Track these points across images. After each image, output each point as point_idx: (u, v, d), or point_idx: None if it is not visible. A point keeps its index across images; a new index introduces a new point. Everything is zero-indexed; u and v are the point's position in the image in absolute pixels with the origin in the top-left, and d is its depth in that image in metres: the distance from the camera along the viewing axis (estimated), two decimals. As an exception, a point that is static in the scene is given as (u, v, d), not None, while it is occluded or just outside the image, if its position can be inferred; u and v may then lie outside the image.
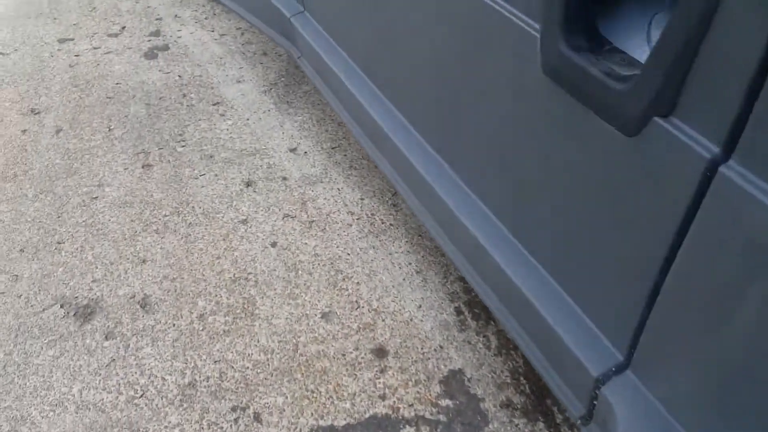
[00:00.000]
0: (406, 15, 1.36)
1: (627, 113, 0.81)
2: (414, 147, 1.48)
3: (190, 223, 1.85)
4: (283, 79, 2.57)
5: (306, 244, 1.82)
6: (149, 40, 2.76)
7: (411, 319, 1.63)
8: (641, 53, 0.87)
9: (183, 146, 2.15)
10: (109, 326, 1.57)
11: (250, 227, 1.86)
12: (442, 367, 1.56)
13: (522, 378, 1.53)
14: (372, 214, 1.94)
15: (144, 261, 1.73)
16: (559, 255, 1.09)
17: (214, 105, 2.38)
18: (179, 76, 2.53)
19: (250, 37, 2.83)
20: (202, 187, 1.99)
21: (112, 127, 2.21)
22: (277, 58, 2.70)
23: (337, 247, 1.82)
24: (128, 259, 1.73)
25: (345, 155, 2.18)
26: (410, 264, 1.78)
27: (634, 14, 0.92)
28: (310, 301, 1.65)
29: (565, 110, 0.93)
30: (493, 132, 1.17)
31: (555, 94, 0.94)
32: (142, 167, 2.04)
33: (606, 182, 0.90)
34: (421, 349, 1.58)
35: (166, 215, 1.87)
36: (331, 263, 1.76)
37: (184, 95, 2.41)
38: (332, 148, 2.21)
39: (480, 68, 1.14)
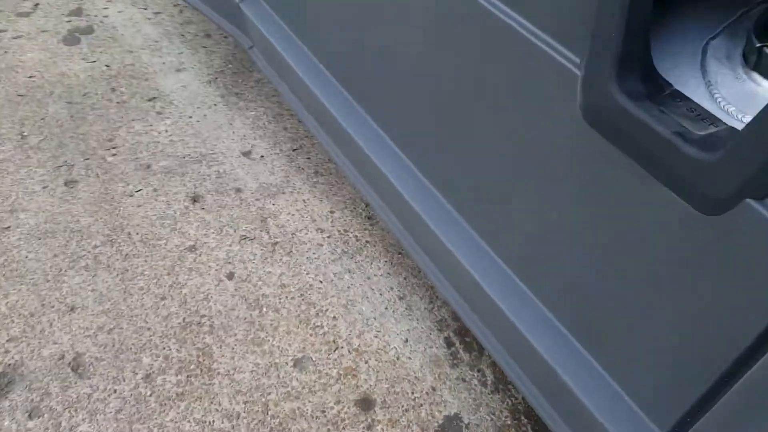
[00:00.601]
0: (399, 19, 1.07)
1: (709, 190, 0.58)
2: (401, 171, 1.21)
3: (127, 254, 1.54)
4: (230, 66, 2.23)
5: (269, 272, 1.53)
6: (69, 21, 2.37)
7: (398, 358, 1.38)
8: (700, 94, 0.66)
9: (114, 155, 1.81)
10: (33, 400, 1.27)
11: (200, 255, 1.56)
12: (437, 414, 1.33)
13: (523, 417, 1.34)
14: (345, 230, 1.66)
15: (73, 309, 1.41)
16: (597, 330, 0.86)
17: (149, 101, 2.03)
18: (107, 65, 2.16)
19: (190, 15, 2.46)
20: (139, 206, 1.67)
21: (25, 134, 1.85)
22: (223, 41, 2.35)
23: (307, 273, 1.54)
24: (53, 307, 1.41)
25: (308, 158, 1.89)
26: (392, 289, 1.52)
27: (683, 40, 0.71)
28: (279, 347, 1.38)
29: (615, 171, 0.70)
30: (512, 179, 0.91)
31: (599, 148, 0.70)
32: (65, 184, 1.70)
33: (670, 263, 0.68)
34: (412, 394, 1.35)
35: (96, 246, 1.55)
36: (301, 295, 1.49)
37: (114, 89, 2.06)
38: (293, 150, 1.91)
39: (495, 101, 0.88)
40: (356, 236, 1.65)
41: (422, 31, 1.01)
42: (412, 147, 1.22)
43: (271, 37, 1.65)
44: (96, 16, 2.41)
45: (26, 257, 1.50)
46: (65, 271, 1.48)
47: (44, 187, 1.69)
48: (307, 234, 1.64)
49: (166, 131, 1.92)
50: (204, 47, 2.31)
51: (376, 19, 1.18)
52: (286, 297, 1.48)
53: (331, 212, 1.71)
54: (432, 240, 1.17)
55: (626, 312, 0.80)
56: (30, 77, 2.07)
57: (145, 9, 2.48)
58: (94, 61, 2.17)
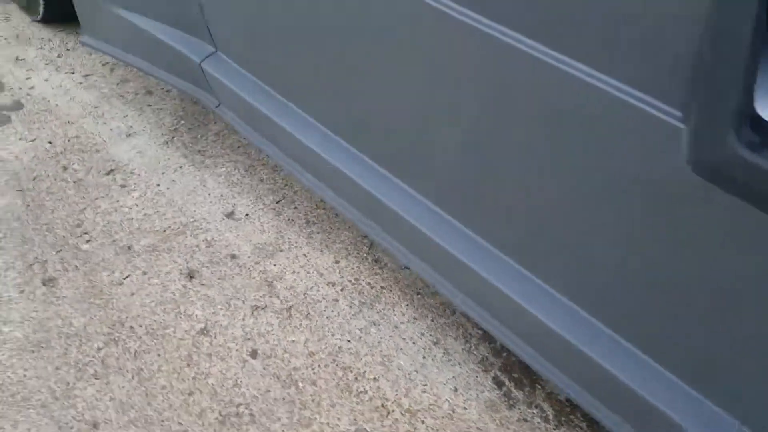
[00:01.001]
0: (432, 72, 1.02)
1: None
2: (418, 209, 1.18)
3: (136, 351, 1.41)
4: (183, 122, 2.11)
5: (293, 342, 1.45)
6: (-8, 99, 2.16)
7: (453, 410, 1.34)
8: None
9: (87, 241, 1.67)
10: None
11: (215, 337, 1.45)
12: (507, 459, 1.30)
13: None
14: (356, 279, 1.60)
15: (95, 425, 1.28)
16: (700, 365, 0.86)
17: (108, 174, 1.88)
18: (49, 142, 1.99)
19: (124, 73, 2.31)
20: (133, 294, 1.54)
21: (-19, 234, 1.67)
22: (167, 96, 2.22)
23: (333, 335, 1.47)
24: (72, 428, 1.27)
25: (296, 208, 1.81)
26: (423, 335, 1.48)
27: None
28: (329, 423, 1.31)
29: (728, 219, 0.69)
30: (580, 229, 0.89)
31: (712, 197, 0.69)
32: (44, 284, 1.55)
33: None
34: (477, 444, 1.31)
35: (100, 348, 1.42)
36: (334, 360, 1.42)
37: (65, 168, 1.89)
38: (277, 203, 1.83)
39: (563, 157, 0.85)
40: (369, 283, 1.60)
41: (476, 93, 0.97)
42: (447, 196, 1.18)
43: (241, 91, 1.57)
44: (21, 89, 2.22)
45: (24, 376, 1.35)
46: (74, 383, 1.34)
47: (21, 292, 1.53)
48: (318, 291, 1.57)
49: (137, 205, 1.79)
50: (149, 105, 2.17)
51: (377, 68, 1.13)
52: (319, 366, 1.41)
53: (336, 262, 1.65)
54: (471, 277, 1.14)
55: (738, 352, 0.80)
56: (-34, 169, 1.87)
57: (73, 73, 2.31)
58: (34, 140, 2.00)
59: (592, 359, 0.99)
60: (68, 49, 2.43)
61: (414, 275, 1.62)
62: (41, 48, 2.43)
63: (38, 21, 2.52)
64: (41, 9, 2.34)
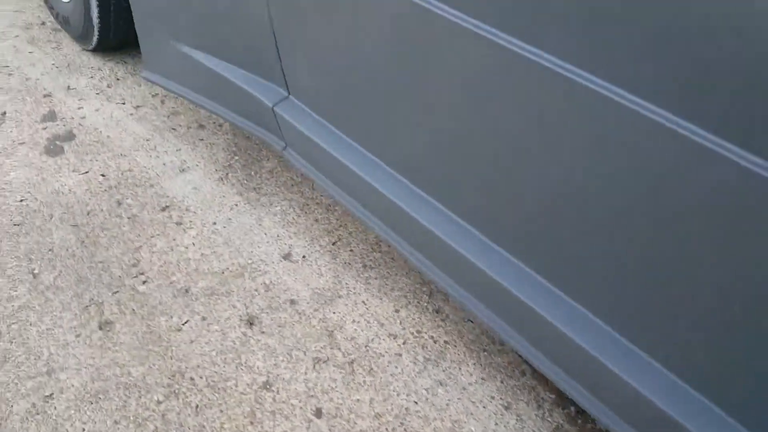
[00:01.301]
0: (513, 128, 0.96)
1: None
2: (492, 257, 1.12)
3: (197, 406, 1.36)
4: (236, 157, 2.07)
5: (358, 401, 1.39)
6: (44, 128, 2.15)
7: (528, 483, 1.27)
8: None
9: (144, 282, 1.62)
10: None
11: (278, 393, 1.39)
12: None
13: None
14: (418, 332, 1.54)
15: (155, 487, 1.22)
16: None
17: (163, 210, 1.85)
18: (102, 175, 1.96)
19: (174, 105, 2.29)
20: (192, 342, 1.49)
21: (36, 271, 1.63)
22: (218, 130, 2.19)
23: (398, 394, 1.41)
24: (131, 489, 1.22)
25: (352, 251, 1.75)
26: (493, 398, 1.41)
27: None
28: (398, 492, 1.24)
29: None
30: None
31: None
32: (100, 328, 1.50)
33: None
34: None
35: (160, 402, 1.36)
36: (401, 424, 1.35)
37: (119, 203, 1.86)
38: (333, 244, 1.77)
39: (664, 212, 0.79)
40: (432, 337, 1.53)
41: (563, 139, 0.92)
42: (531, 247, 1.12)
43: (312, 134, 1.53)
44: (72, 118, 2.20)
45: (83, 430, 1.30)
46: (134, 439, 1.29)
47: (77, 336, 1.48)
48: (380, 344, 1.51)
49: (194, 245, 1.74)
50: (201, 140, 2.14)
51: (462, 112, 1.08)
52: (386, 430, 1.34)
53: (396, 311, 1.59)
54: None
55: None
56: (21, 201, 1.85)
57: (123, 104, 2.29)
58: (87, 172, 1.97)
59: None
60: (118, 79, 2.41)
61: (478, 329, 1.55)
62: (92, 77, 2.42)
63: (89, 50, 2.51)
64: (95, 39, 2.33)
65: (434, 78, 1.10)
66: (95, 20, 2.24)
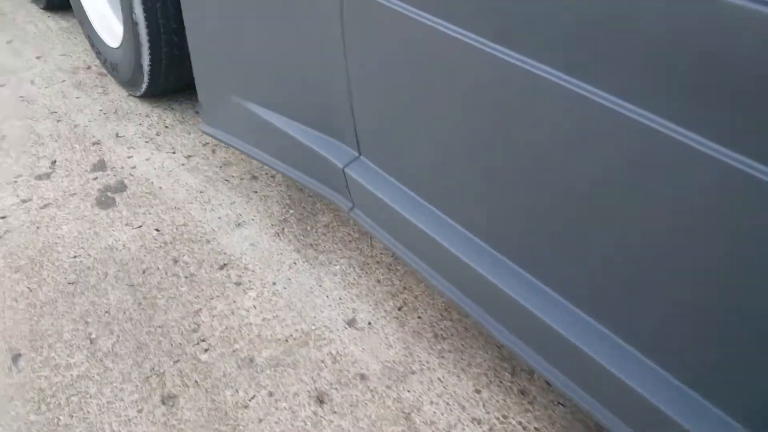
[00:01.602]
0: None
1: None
2: (588, 333, 1.03)
3: (272, 493, 1.26)
4: (291, 211, 2.00)
5: (442, 489, 1.29)
6: (95, 178, 2.09)
7: None
8: None
9: (206, 350, 1.54)
10: None
11: (357, 479, 1.30)
12: None
13: None
14: (504, 416, 1.44)
15: None
16: None
17: (221, 269, 1.77)
18: (157, 229, 1.89)
19: (226, 155, 2.24)
20: (261, 421, 1.40)
21: (94, 336, 1.56)
22: (272, 181, 2.13)
23: (484, 483, 1.30)
24: None
25: (419, 318, 1.67)
26: (586, 489, 1.30)
27: None
28: None
29: None
30: None
31: None
32: (163, 402, 1.42)
33: None
34: None
35: (232, 488, 1.27)
36: None
37: (176, 260, 1.79)
38: (399, 309, 1.69)
39: None
40: (520, 423, 1.43)
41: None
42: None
43: (383, 196, 1.46)
44: (123, 168, 2.14)
45: None
46: None
47: (139, 411, 1.40)
48: (464, 430, 1.41)
49: (254, 307, 1.66)
50: (255, 192, 2.08)
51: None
52: None
53: (477, 391, 1.49)
54: None
55: None
56: (75, 257, 1.78)
57: (174, 153, 2.23)
58: (140, 226, 1.90)
59: None
60: (167, 127, 2.37)
61: (572, 415, 1.45)
62: (140, 124, 2.37)
63: (137, 96, 2.47)
64: (144, 86, 2.29)
65: (523, 140, 1.03)
66: (146, 68, 2.20)
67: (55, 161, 2.15)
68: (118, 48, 2.34)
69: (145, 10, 2.01)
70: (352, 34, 1.26)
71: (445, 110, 1.16)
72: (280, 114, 1.59)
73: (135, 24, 2.08)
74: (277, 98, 1.60)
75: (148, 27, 2.04)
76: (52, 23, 3.18)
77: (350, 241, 1.91)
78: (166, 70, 2.22)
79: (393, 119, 1.31)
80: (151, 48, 2.10)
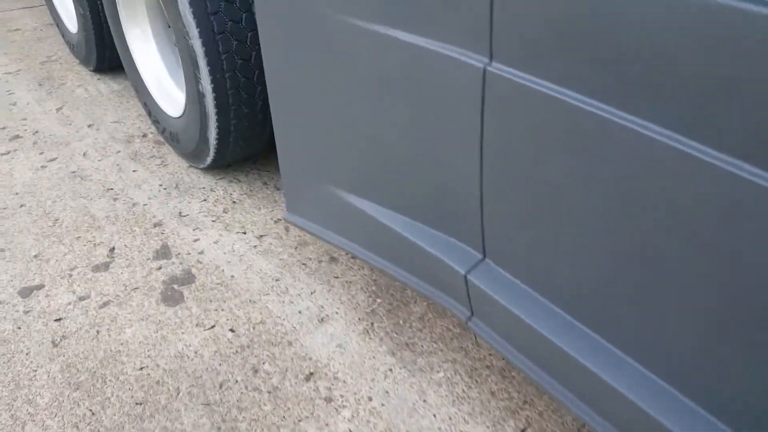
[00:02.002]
0: None
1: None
2: None
3: None
4: (378, 300, 1.75)
5: None
6: (159, 267, 1.87)
7: None
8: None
9: (303, 492, 1.28)
10: None
11: None
12: None
13: None
14: None
15: None
16: None
17: (307, 380, 1.52)
18: (231, 330, 1.65)
19: (301, 233, 2.01)
20: None
21: (169, 477, 1.31)
22: (353, 264, 1.89)
23: None
24: None
25: (549, 442, 1.38)
26: None
27: None
28: None
29: None
30: None
31: None
32: None
33: None
34: None
35: None
36: None
37: (255, 370, 1.54)
38: (522, 431, 1.40)
39: None
40: None
41: None
42: None
43: (515, 308, 1.20)
44: (189, 254, 1.92)
45: None
46: None
47: None
48: None
49: (350, 431, 1.40)
50: (336, 278, 1.84)
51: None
52: None
53: None
54: None
55: None
56: (141, 368, 1.55)
57: (244, 233, 2.01)
58: (213, 326, 1.67)
59: None
60: (234, 202, 2.16)
61: None
62: (204, 200, 2.17)
63: (200, 168, 2.27)
64: (209, 159, 2.09)
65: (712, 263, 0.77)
66: (212, 140, 2.00)
67: (113, 248, 1.95)
68: (179, 118, 2.16)
69: (213, 82, 1.81)
70: (494, 124, 1.02)
71: (607, 214, 0.91)
72: (384, 207, 1.35)
73: (201, 96, 1.88)
74: (384, 190, 1.36)
75: (216, 99, 1.85)
76: (103, 86, 3.04)
77: (451, 339, 1.65)
78: (234, 142, 2.01)
79: (537, 219, 1.06)
80: (218, 120, 1.90)
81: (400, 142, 1.23)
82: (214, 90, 1.82)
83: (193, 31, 1.75)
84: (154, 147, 2.48)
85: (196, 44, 1.77)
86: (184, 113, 2.09)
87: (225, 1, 1.75)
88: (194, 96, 1.92)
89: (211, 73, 1.79)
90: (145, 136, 2.56)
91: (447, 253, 1.26)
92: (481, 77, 0.99)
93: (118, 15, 2.26)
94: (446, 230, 1.27)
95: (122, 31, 2.30)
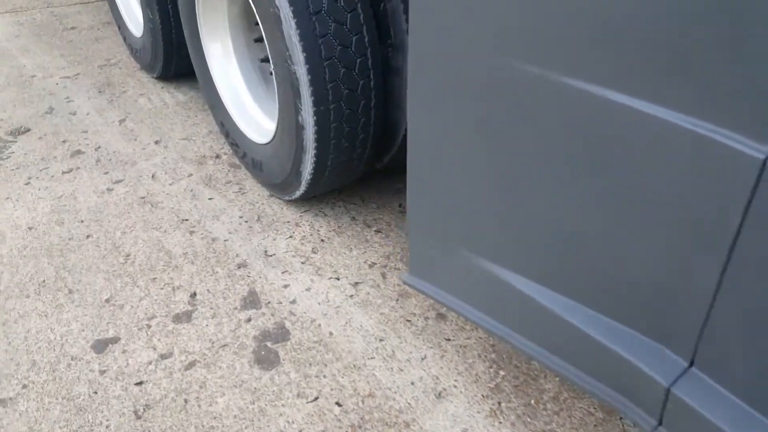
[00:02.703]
0: None
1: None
2: None
3: None
4: (501, 372, 1.52)
5: None
6: (248, 319, 1.66)
7: None
8: None
9: None
10: None
11: None
12: None
13: None
14: None
15: None
16: None
17: (434, 476, 1.29)
18: (338, 403, 1.43)
19: (395, 282, 1.78)
20: None
21: None
22: (464, 324, 1.66)
23: None
24: None
25: None
26: None
27: None
28: None
29: None
30: None
31: None
32: None
33: None
34: None
35: None
36: None
37: (372, 459, 1.32)
38: None
39: None
40: None
41: None
42: None
43: (723, 423, 0.95)
44: (280, 303, 1.71)
45: None
46: None
47: None
48: None
49: None
50: (447, 340, 1.61)
51: None
52: None
53: None
54: None
55: None
56: (240, 453, 1.33)
57: (338, 279, 1.79)
58: (316, 398, 1.45)
59: None
60: (322, 240, 1.93)
61: None
62: (291, 237, 1.95)
63: (283, 200, 2.06)
64: (298, 192, 1.87)
65: None
66: (306, 174, 1.78)
67: (194, 293, 1.74)
68: (265, 145, 1.94)
69: (317, 114, 1.59)
70: (763, 221, 0.78)
71: None
72: (553, 291, 1.11)
73: (300, 127, 1.66)
74: (555, 275, 1.12)
75: (317, 132, 1.62)
76: (168, 96, 2.84)
77: (595, 425, 1.41)
78: (328, 177, 1.79)
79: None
80: (317, 154, 1.68)
81: (595, 224, 0.99)
82: (317, 123, 1.60)
83: (298, 56, 1.53)
84: (229, 171, 2.27)
85: (300, 71, 1.54)
86: (272, 141, 1.87)
87: (335, 22, 1.52)
88: (290, 126, 1.70)
89: (315, 104, 1.56)
90: (218, 157, 2.36)
91: (644, 358, 1.02)
92: (758, 168, 0.74)
93: (197, 28, 2.05)
94: (644, 331, 1.02)
95: (200, 45, 2.09)
